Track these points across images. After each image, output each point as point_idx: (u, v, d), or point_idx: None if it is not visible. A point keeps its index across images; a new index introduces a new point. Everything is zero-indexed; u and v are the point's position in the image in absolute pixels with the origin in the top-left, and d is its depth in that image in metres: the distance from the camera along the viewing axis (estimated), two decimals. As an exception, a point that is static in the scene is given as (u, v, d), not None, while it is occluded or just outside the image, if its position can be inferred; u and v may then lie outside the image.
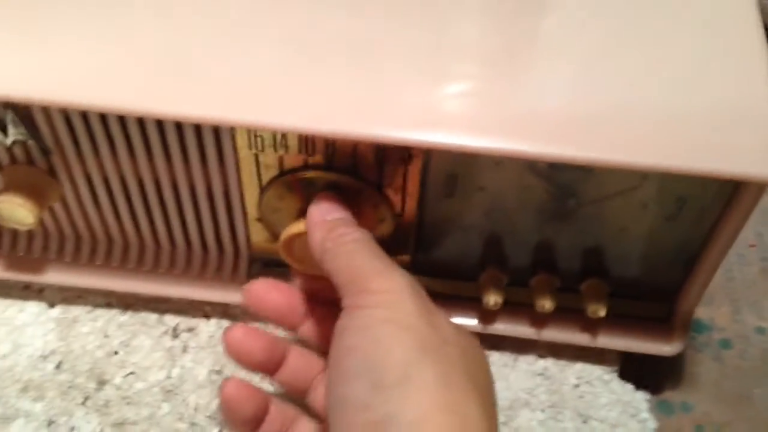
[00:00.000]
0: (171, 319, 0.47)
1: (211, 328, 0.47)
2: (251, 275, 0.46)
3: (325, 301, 0.41)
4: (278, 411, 0.39)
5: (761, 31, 0.38)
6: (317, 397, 0.40)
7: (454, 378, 0.30)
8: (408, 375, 0.29)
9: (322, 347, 0.41)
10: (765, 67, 0.36)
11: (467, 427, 0.29)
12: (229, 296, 0.45)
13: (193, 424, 0.42)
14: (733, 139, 0.34)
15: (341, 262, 0.34)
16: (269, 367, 0.39)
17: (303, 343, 0.41)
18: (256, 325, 0.39)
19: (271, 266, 0.47)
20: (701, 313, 0.51)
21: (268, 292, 0.40)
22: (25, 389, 0.43)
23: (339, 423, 0.30)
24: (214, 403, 0.44)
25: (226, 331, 0.39)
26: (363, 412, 0.29)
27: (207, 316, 0.48)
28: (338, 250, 0.35)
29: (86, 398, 0.43)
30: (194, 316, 0.47)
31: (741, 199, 0.36)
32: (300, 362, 0.40)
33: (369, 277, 0.33)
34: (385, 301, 0.32)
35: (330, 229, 0.36)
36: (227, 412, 0.38)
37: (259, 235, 0.44)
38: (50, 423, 0.42)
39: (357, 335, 0.31)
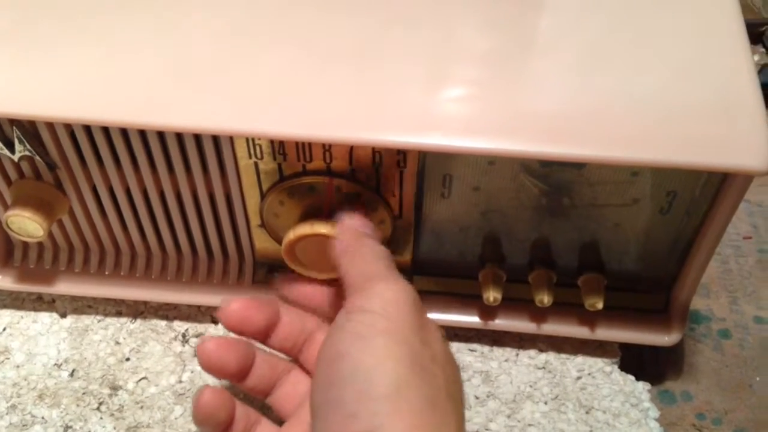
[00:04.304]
0: (180, 326, 0.48)
1: (219, 332, 0.48)
2: (256, 280, 0.47)
3: (300, 305, 0.43)
4: (242, 414, 0.40)
5: (743, 28, 0.39)
6: (279, 398, 0.41)
7: (438, 400, 0.31)
8: (397, 390, 0.30)
9: (291, 351, 0.42)
10: (747, 64, 0.37)
11: None
12: (236, 301, 0.46)
13: (203, 426, 0.43)
14: (718, 133, 0.35)
15: (357, 262, 0.36)
16: (241, 376, 0.40)
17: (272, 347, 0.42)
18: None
19: (275, 271, 0.48)
20: (700, 304, 0.52)
21: (245, 314, 0.40)
22: (41, 397, 0.45)
23: (325, 428, 0.31)
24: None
25: (199, 346, 0.39)
26: (350, 420, 0.30)
27: (215, 321, 0.49)
28: (358, 252, 0.36)
29: (100, 404, 0.44)
30: (202, 321, 0.48)
31: (729, 190, 0.37)
32: (265, 366, 0.41)
33: (376, 279, 0.34)
34: (384, 309, 0.33)
35: (357, 237, 0.38)
36: (203, 418, 0.39)
37: (262, 240, 0.45)
38: (66, 429, 0.43)
39: (350, 341, 0.32)
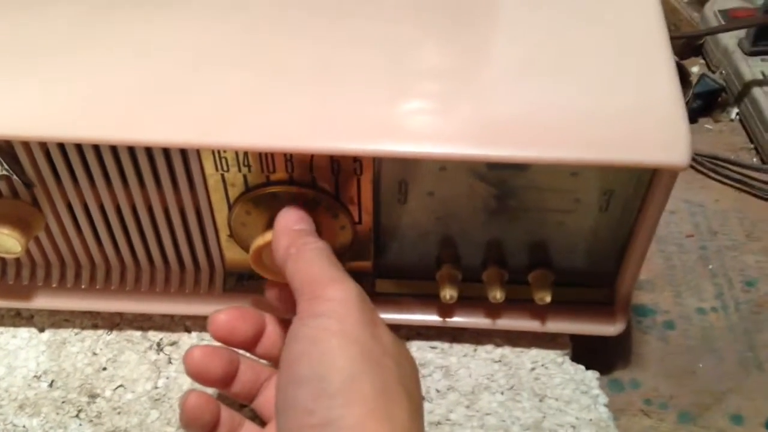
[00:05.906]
0: (154, 335, 0.50)
1: (192, 340, 0.50)
2: (227, 289, 0.50)
3: (284, 313, 0.45)
4: (227, 417, 0.42)
5: (667, 37, 0.43)
6: (262, 402, 0.43)
7: (389, 388, 0.34)
8: (350, 385, 0.33)
9: (277, 359, 0.43)
10: (669, 71, 0.41)
11: (398, 431, 0.33)
12: (208, 310, 0.48)
13: (180, 428, 0.45)
14: (644, 134, 0.38)
15: (301, 267, 0.38)
16: (226, 382, 0.42)
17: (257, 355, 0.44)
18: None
19: (245, 279, 0.50)
20: (646, 298, 0.55)
21: (233, 325, 0.42)
22: (21, 407, 0.46)
23: (286, 424, 0.34)
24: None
25: (186, 354, 0.41)
26: (307, 416, 0.33)
27: (188, 330, 0.51)
28: (300, 256, 0.39)
29: (79, 411, 0.46)
30: (176, 330, 0.51)
31: (657, 186, 0.40)
32: (249, 372, 0.43)
33: (324, 284, 0.37)
34: (335, 312, 0.36)
35: (295, 237, 0.40)
36: (189, 421, 0.41)
37: (232, 250, 0.47)
38: (46, 436, 0.45)
39: (306, 345, 0.35)
